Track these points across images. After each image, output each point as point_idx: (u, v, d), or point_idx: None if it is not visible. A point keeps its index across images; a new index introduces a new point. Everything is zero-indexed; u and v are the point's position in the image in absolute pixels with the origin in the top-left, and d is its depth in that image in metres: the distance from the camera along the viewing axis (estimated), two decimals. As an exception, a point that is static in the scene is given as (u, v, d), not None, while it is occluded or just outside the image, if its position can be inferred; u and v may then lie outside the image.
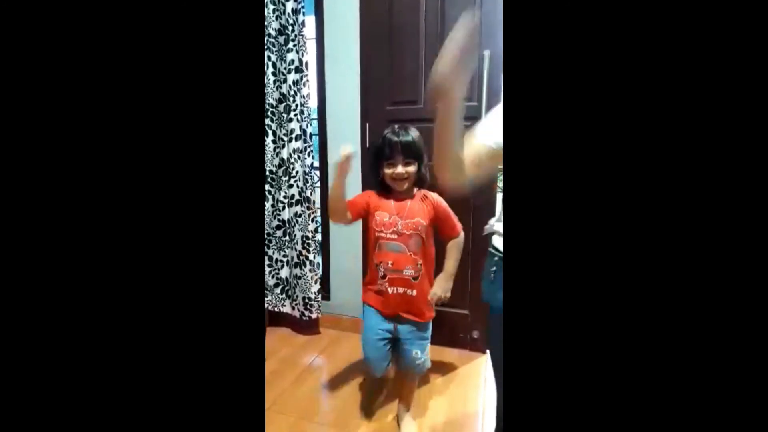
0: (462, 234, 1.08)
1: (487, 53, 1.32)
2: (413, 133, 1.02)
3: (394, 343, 1.10)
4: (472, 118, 1.38)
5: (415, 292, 1.04)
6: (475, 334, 1.54)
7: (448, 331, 1.55)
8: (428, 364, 1.10)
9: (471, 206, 1.45)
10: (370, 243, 1.09)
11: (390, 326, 1.07)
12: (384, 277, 1.04)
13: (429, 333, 1.10)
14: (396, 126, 1.03)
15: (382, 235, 1.04)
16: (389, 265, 1.03)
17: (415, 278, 1.03)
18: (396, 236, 1.02)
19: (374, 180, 1.08)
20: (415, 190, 1.07)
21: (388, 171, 1.01)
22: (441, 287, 1.05)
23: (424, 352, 1.07)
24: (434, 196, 1.07)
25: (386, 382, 1.32)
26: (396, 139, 0.99)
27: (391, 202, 1.05)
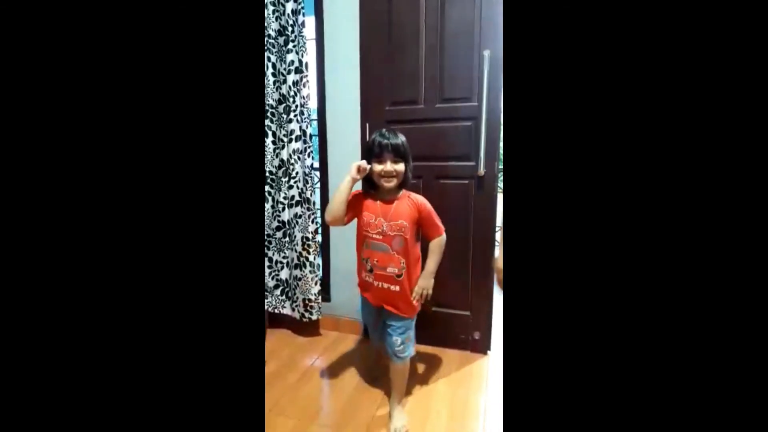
0: (444, 235, 1.13)
1: (487, 53, 1.31)
2: (401, 137, 1.10)
3: (383, 329, 1.19)
4: (473, 118, 1.39)
5: (398, 288, 1.11)
6: (477, 335, 1.53)
7: (450, 332, 1.55)
8: (409, 352, 1.15)
9: (472, 208, 1.45)
10: (358, 239, 1.18)
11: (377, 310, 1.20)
12: (371, 271, 1.14)
13: (411, 327, 1.16)
14: (384, 130, 1.11)
15: (369, 234, 1.12)
16: (375, 263, 1.12)
17: (398, 276, 1.11)
18: (381, 237, 1.10)
19: (363, 179, 1.13)
20: (401, 191, 1.13)
21: (377, 168, 1.08)
22: (420, 285, 1.13)
23: (404, 340, 1.13)
24: (418, 197, 1.13)
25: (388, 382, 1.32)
26: (385, 141, 1.07)
27: (378, 204, 1.12)
